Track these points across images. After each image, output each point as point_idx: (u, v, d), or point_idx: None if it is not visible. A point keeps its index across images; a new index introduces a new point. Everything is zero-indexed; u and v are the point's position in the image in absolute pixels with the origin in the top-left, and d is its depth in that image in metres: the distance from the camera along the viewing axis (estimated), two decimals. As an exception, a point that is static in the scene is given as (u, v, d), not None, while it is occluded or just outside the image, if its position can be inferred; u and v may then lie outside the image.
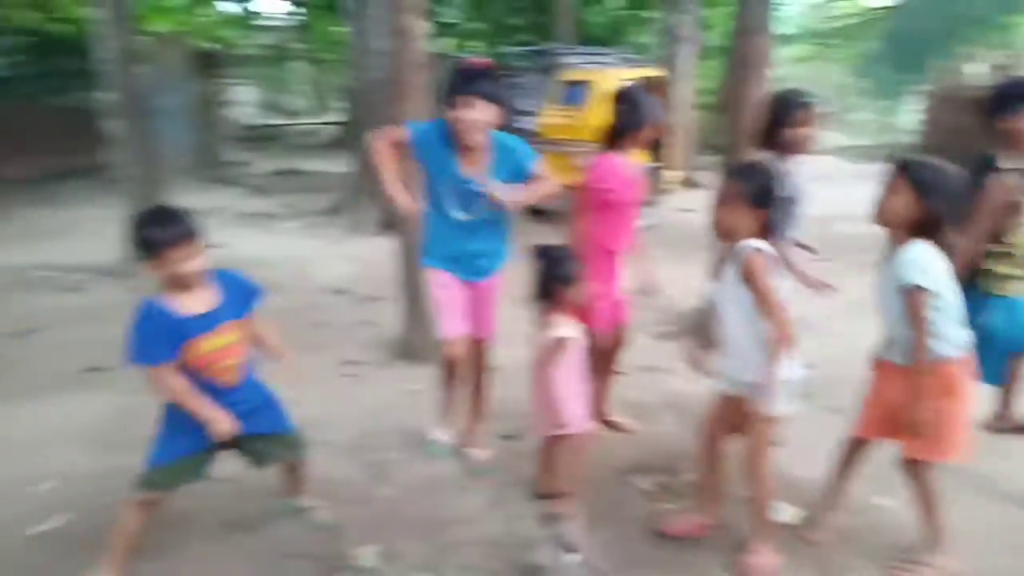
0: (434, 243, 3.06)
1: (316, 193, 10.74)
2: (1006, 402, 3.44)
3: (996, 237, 3.00)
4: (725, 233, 2.38)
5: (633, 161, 3.22)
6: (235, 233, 7.75)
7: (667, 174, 9.14)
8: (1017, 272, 3.04)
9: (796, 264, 3.10)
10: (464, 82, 2.74)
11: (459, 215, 2.90)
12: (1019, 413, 3.47)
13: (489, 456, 3.24)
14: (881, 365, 2.53)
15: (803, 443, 3.41)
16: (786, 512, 2.84)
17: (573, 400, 2.73)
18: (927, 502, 2.50)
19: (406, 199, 2.92)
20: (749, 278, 2.28)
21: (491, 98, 2.74)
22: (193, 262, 2.21)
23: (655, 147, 9.05)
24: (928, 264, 2.26)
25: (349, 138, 14.17)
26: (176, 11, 15.47)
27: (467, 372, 3.22)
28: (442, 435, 3.34)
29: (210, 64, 12.90)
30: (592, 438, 2.93)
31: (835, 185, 9.42)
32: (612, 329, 3.32)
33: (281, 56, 18.66)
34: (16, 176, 10.62)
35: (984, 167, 2.96)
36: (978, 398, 2.81)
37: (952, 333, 2.33)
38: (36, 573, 2.47)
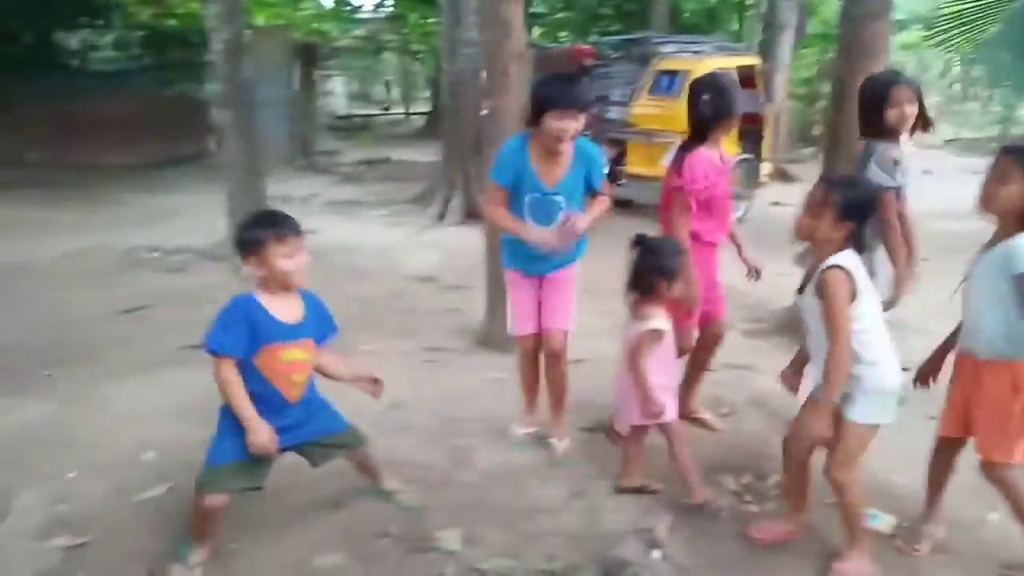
0: (511, 245, 3.09)
1: (403, 182, 10.98)
2: None
3: None
4: (806, 238, 2.32)
5: (723, 153, 3.12)
6: (326, 220, 8.01)
7: (762, 166, 8.81)
8: None
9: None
10: (561, 92, 2.74)
11: (537, 225, 2.90)
12: None
13: (569, 447, 3.21)
14: (962, 360, 2.42)
15: (901, 450, 3.23)
16: (883, 521, 2.70)
17: (662, 391, 2.70)
18: (1018, 506, 2.36)
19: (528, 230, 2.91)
20: (824, 297, 2.21)
21: (585, 107, 2.77)
22: (294, 260, 2.29)
23: (752, 138, 8.78)
24: None
25: (437, 128, 14.43)
26: (278, 4, 16.08)
27: (544, 365, 3.22)
28: (522, 428, 3.34)
29: (308, 56, 13.37)
30: (683, 431, 2.88)
31: (939, 180, 8.88)
32: (709, 324, 3.25)
33: (374, 47, 19.11)
34: (128, 163, 11.35)
35: None
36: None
37: None
38: (142, 537, 2.61)
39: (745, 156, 8.43)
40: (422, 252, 6.93)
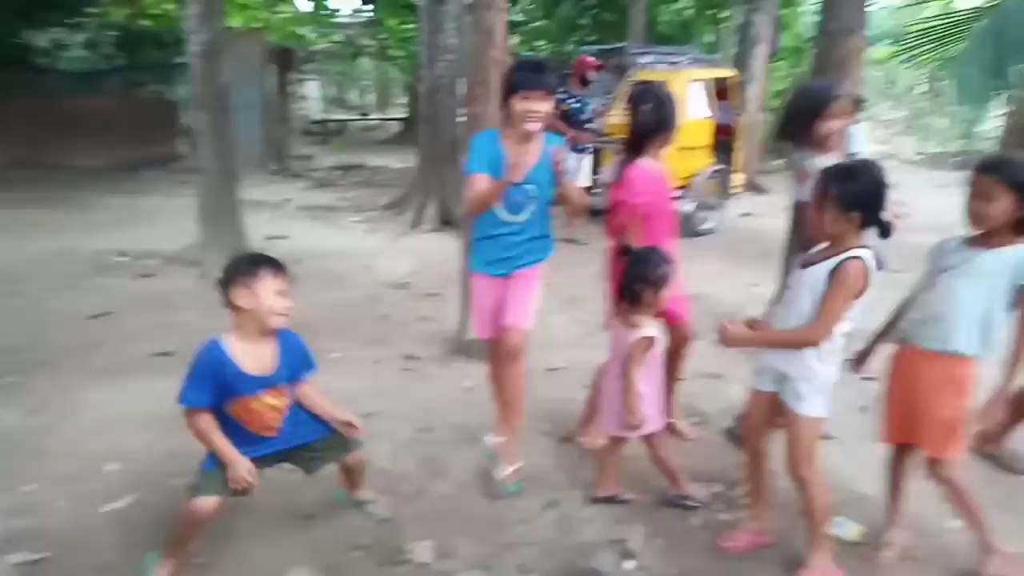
0: (479, 244, 3.07)
1: (378, 188, 10.94)
2: None
3: None
4: (821, 236, 2.30)
5: (661, 164, 3.12)
6: (299, 226, 7.96)
7: (733, 177, 8.92)
8: None
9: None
10: (527, 74, 2.79)
11: (508, 217, 2.90)
12: None
13: (517, 470, 3.01)
14: (903, 354, 2.46)
15: (866, 458, 3.28)
16: (849, 529, 2.73)
17: (651, 400, 2.74)
18: (963, 502, 2.46)
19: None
20: (836, 282, 2.19)
21: (550, 90, 2.78)
22: (282, 300, 2.28)
23: (725, 149, 8.87)
24: None
25: (413, 134, 14.38)
26: (255, 7, 15.95)
27: (500, 376, 3.11)
28: (496, 437, 3.29)
29: (284, 60, 13.27)
30: (666, 439, 2.91)
31: (911, 193, 9.06)
32: (674, 330, 3.27)
33: (351, 52, 19.02)
34: (98, 165, 11.15)
35: None
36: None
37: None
38: (104, 552, 2.55)
39: (718, 167, 8.54)
40: (396, 259, 6.88)
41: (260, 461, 2.37)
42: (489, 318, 3.07)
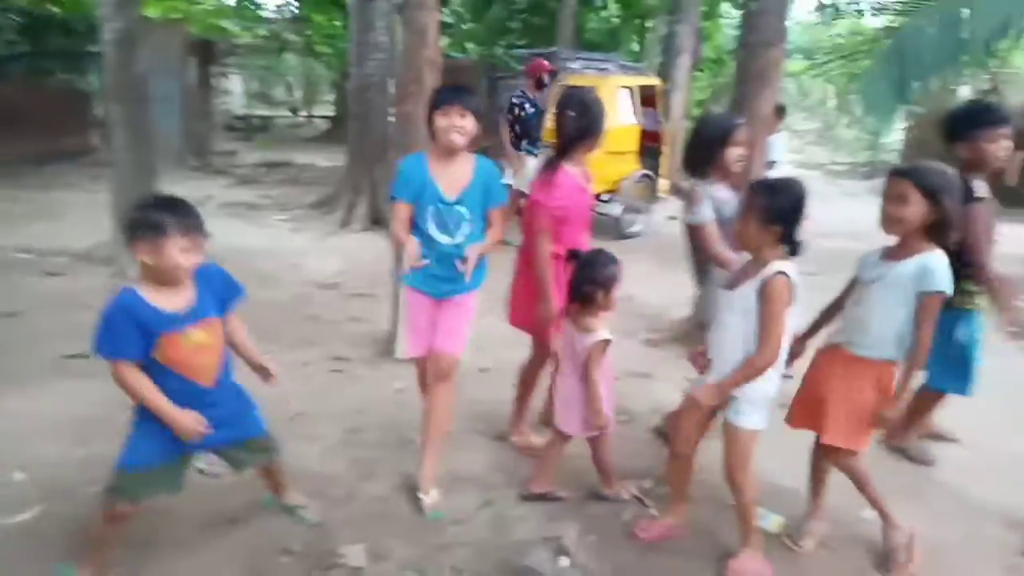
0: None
1: (305, 186, 10.69)
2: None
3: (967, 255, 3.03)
4: (744, 246, 2.41)
5: (586, 170, 3.17)
6: (223, 224, 7.63)
7: (660, 182, 9.16)
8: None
9: None
10: (446, 92, 2.83)
11: (440, 237, 2.87)
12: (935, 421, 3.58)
13: (436, 501, 2.88)
14: (830, 353, 2.59)
15: (787, 452, 3.44)
16: (771, 520, 2.85)
17: (608, 401, 2.79)
18: (865, 488, 2.63)
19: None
20: (766, 301, 2.29)
21: (469, 106, 2.78)
22: (192, 258, 2.13)
23: (651, 155, 9.09)
24: (948, 272, 2.34)
25: (340, 132, 14.09)
26: (174, -3, 15.33)
27: (429, 390, 3.03)
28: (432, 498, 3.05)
29: (205, 52, 12.79)
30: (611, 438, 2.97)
31: (817, 201, 9.51)
32: None
33: (276, 47, 18.51)
34: (2, 157, 10.44)
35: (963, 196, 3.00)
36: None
37: None
38: (10, 566, 2.40)
39: (645, 172, 8.75)
40: (325, 258, 6.75)
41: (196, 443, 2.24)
42: (422, 337, 2.98)
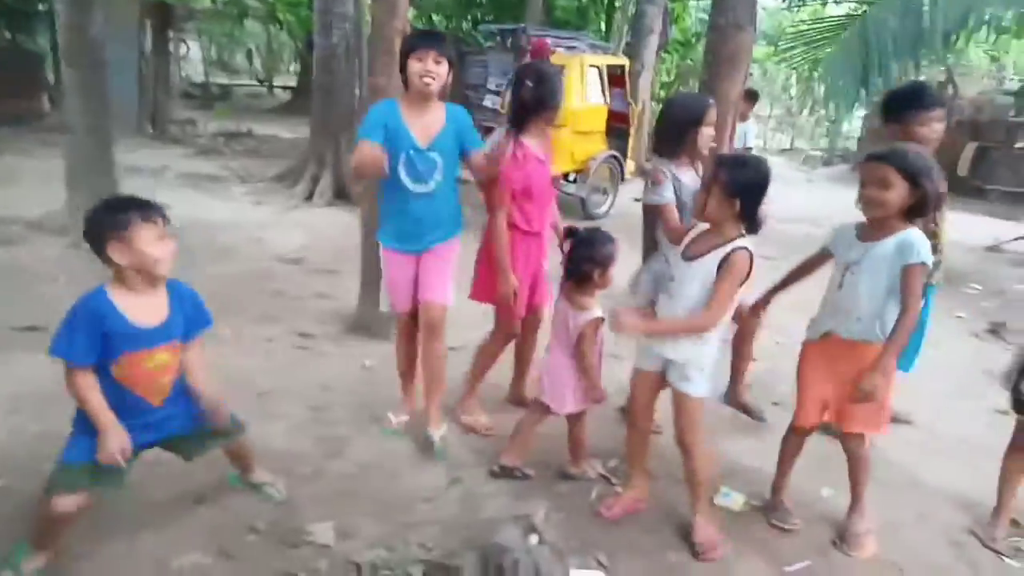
0: (388, 217, 3.04)
1: (267, 158, 10.46)
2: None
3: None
4: (703, 218, 2.44)
5: (546, 143, 3.15)
6: (181, 195, 7.45)
7: (627, 163, 9.19)
8: (937, 259, 3.17)
9: None
10: (420, 38, 2.84)
11: (413, 186, 2.88)
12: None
13: (446, 434, 3.18)
14: (824, 344, 2.62)
15: (750, 433, 3.54)
16: (733, 498, 2.93)
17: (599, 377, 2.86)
18: (866, 474, 2.70)
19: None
20: (726, 271, 2.33)
21: (448, 57, 2.79)
22: (163, 246, 2.07)
23: (619, 136, 9.11)
24: (927, 245, 2.40)
25: (303, 103, 13.76)
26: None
27: (422, 340, 3.15)
28: (397, 415, 3.30)
29: (162, 16, 12.34)
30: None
31: (779, 185, 9.69)
32: (532, 312, 3.38)
33: (237, 13, 17.95)
34: (-56, 119, 9.99)
35: None
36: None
37: None
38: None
39: (612, 153, 8.77)
40: (289, 232, 6.63)
41: (136, 444, 2.14)
42: (404, 291, 3.05)
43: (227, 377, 2.51)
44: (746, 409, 3.61)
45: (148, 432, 2.20)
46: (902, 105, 3.14)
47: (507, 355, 3.47)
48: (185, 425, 2.30)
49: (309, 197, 8.01)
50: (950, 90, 13.16)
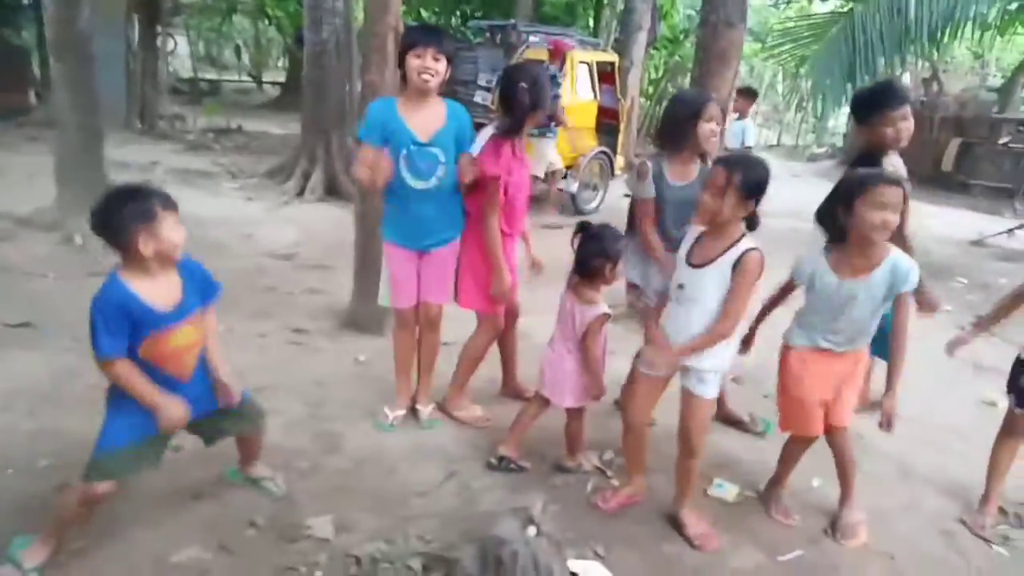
0: (391, 214, 3.07)
1: (257, 154, 10.41)
2: None
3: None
4: (711, 220, 2.42)
5: (522, 143, 3.14)
6: (172, 191, 7.24)
7: (616, 160, 9.21)
8: None
9: None
10: (419, 33, 2.82)
11: (415, 182, 2.90)
12: None
13: (434, 410, 3.35)
14: (816, 355, 2.63)
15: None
16: (728, 490, 2.97)
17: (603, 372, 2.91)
18: (853, 465, 2.77)
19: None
20: (741, 274, 2.35)
21: (447, 53, 2.81)
22: (180, 231, 2.11)
23: (608, 132, 9.13)
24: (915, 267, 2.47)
25: (293, 98, 13.68)
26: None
27: (420, 332, 3.27)
28: (393, 410, 3.31)
29: (150, 11, 12.23)
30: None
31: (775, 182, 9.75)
32: (509, 305, 3.40)
33: (225, 7, 17.82)
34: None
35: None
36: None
37: None
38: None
39: (602, 149, 8.79)
40: (280, 228, 6.61)
41: None
42: (407, 288, 3.10)
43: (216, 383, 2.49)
44: (734, 421, 3.60)
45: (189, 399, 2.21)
46: (865, 108, 3.13)
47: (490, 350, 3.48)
48: (211, 407, 2.33)
49: (300, 193, 7.99)
50: (935, 87, 13.28)
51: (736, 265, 2.35)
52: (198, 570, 2.29)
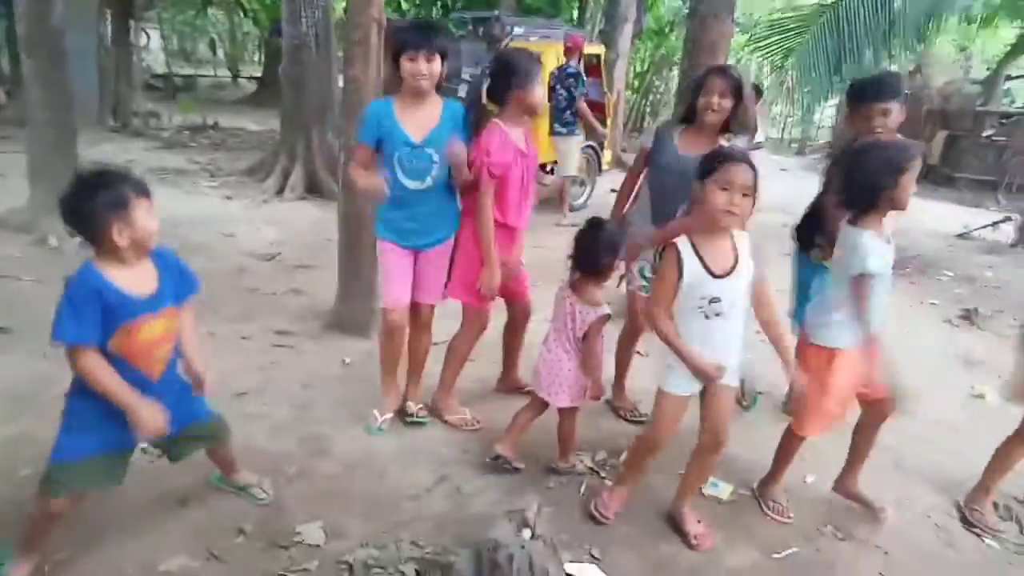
0: (386, 213, 3.04)
1: (235, 151, 10.27)
2: None
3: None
4: (739, 225, 2.35)
5: (521, 130, 3.05)
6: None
7: (604, 154, 9.16)
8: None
9: None
10: (412, 35, 2.77)
11: (409, 182, 2.88)
12: None
13: (422, 408, 3.31)
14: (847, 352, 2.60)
15: (734, 420, 3.55)
16: (722, 489, 2.95)
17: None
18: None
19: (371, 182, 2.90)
20: (761, 260, 2.37)
21: (434, 50, 2.77)
22: (154, 218, 2.02)
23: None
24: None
25: (270, 94, 13.54)
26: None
27: (411, 333, 3.23)
28: (382, 414, 3.25)
29: (121, 5, 12.00)
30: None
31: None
32: (515, 304, 3.40)
33: (199, 1, 17.56)
34: None
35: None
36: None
37: None
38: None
39: (589, 143, 8.74)
40: (261, 228, 6.50)
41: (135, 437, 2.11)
42: (402, 288, 3.06)
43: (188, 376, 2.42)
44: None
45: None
46: (853, 97, 3.23)
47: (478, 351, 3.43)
48: (183, 419, 2.22)
49: (280, 191, 7.86)
50: (920, 80, 13.37)
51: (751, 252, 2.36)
52: (187, 580, 2.24)
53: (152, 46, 17.86)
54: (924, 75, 13.25)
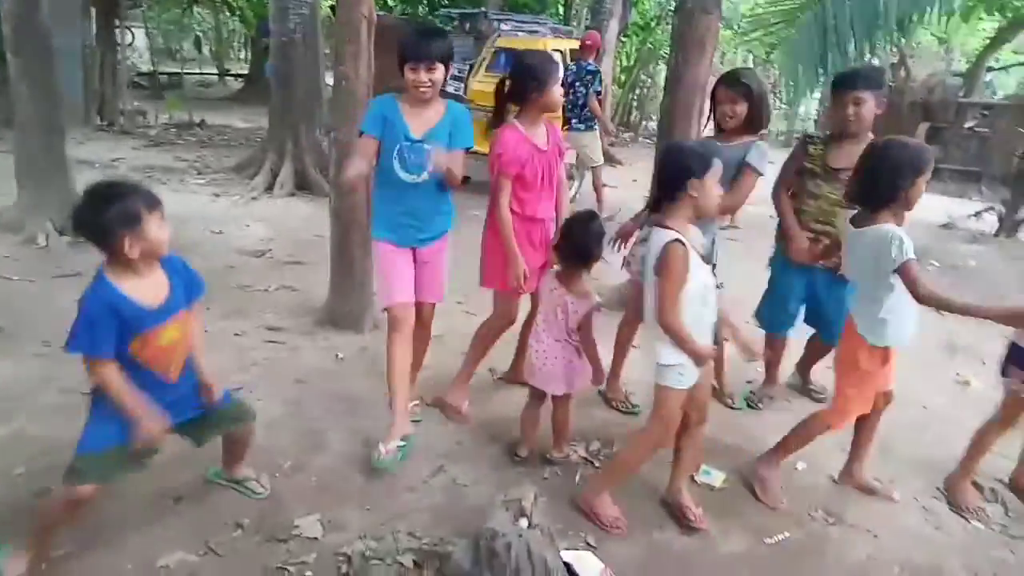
0: (382, 210, 3.05)
1: (222, 149, 10.22)
2: None
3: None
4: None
5: (541, 128, 3.12)
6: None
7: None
8: None
9: None
10: (414, 44, 2.79)
11: (406, 176, 2.90)
12: None
13: (416, 404, 3.31)
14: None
15: (725, 409, 3.62)
16: (715, 476, 2.99)
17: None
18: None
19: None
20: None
21: (435, 59, 2.80)
22: (166, 228, 2.08)
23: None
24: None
25: (256, 91, 13.45)
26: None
27: (412, 340, 3.15)
28: (387, 446, 2.89)
29: (106, 4, 11.90)
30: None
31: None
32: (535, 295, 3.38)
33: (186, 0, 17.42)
34: None
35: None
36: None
37: None
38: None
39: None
40: (251, 225, 6.48)
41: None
42: (403, 286, 3.04)
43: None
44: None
45: (171, 413, 2.17)
46: (832, 86, 3.32)
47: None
48: (197, 408, 2.30)
49: (269, 188, 7.83)
50: (903, 72, 13.48)
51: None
52: (186, 573, 2.25)
53: (137, 44, 17.69)
54: (907, 68, 13.35)
